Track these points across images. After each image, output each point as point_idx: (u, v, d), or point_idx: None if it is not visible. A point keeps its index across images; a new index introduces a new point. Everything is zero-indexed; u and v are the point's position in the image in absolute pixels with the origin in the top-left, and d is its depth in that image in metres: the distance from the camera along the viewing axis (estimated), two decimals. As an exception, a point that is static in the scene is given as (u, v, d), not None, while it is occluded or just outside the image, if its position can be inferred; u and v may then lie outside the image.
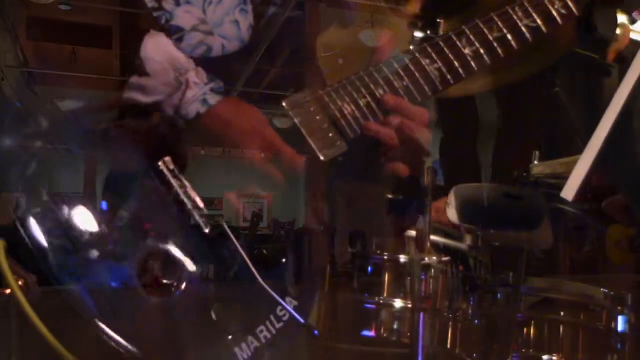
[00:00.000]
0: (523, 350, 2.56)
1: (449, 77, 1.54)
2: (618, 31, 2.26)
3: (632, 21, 1.82)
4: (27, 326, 1.23)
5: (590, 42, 1.98)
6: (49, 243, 1.26)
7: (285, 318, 1.38)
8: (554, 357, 2.55)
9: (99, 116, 1.44)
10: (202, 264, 1.36)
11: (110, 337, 1.25)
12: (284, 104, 1.46)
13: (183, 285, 1.32)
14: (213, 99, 1.43)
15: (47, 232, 1.26)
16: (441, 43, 1.55)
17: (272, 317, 1.38)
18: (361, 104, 1.49)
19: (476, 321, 2.57)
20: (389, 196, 1.67)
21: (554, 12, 1.59)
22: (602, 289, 2.60)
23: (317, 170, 1.47)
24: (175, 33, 1.52)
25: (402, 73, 1.52)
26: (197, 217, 1.38)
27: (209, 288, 1.36)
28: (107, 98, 1.49)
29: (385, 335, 2.48)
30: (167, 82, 1.42)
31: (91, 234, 1.30)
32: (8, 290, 1.24)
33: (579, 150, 1.60)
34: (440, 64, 1.53)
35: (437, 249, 2.46)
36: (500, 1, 1.60)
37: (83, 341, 1.26)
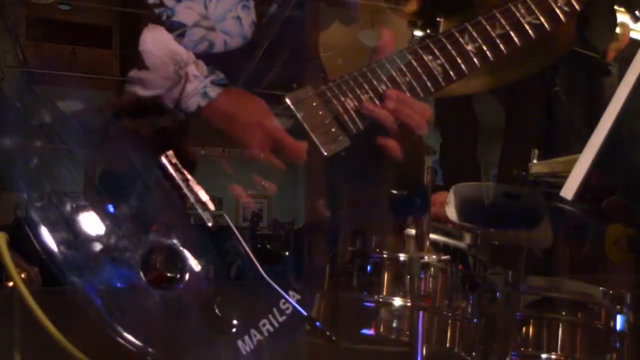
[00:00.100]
0: (522, 349, 2.56)
1: (451, 73, 1.55)
2: (618, 30, 2.27)
3: (636, 19, 1.83)
4: (30, 319, 1.23)
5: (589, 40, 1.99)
6: (51, 237, 1.26)
7: (288, 311, 1.38)
8: (553, 356, 2.55)
9: (99, 115, 1.44)
10: (205, 257, 1.36)
11: (124, 338, 1.25)
12: (286, 99, 1.46)
13: (186, 279, 1.33)
14: (214, 92, 1.43)
15: (49, 227, 1.26)
16: (444, 39, 1.55)
17: (275, 310, 1.38)
18: (364, 99, 1.50)
19: (475, 320, 2.57)
20: (393, 192, 1.67)
21: (557, 10, 1.60)
22: (601, 288, 2.61)
23: (319, 167, 1.47)
24: (177, 29, 1.52)
25: (404, 69, 1.53)
26: (200, 211, 1.38)
27: (212, 281, 1.36)
28: (107, 99, 1.49)
29: (384, 333, 2.48)
30: (167, 76, 1.41)
31: (94, 228, 1.30)
32: (11, 283, 1.24)
33: (578, 149, 1.61)
34: (442, 60, 1.54)
35: (437, 247, 2.47)
36: (500, 1, 1.61)
37: (85, 337, 1.26)
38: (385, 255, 2.52)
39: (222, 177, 1.43)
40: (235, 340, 1.34)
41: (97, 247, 1.29)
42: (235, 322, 1.33)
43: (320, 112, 1.47)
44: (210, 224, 1.38)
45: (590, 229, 2.47)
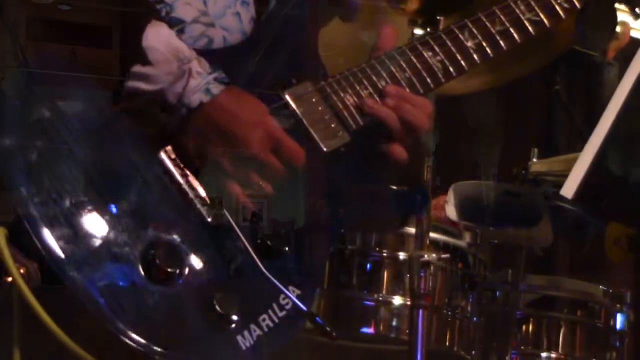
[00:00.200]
0: (522, 347, 2.57)
1: (451, 69, 1.55)
2: (619, 29, 2.27)
3: (637, 16, 1.83)
4: (29, 314, 1.23)
5: (589, 39, 1.99)
6: (50, 233, 1.26)
7: (288, 307, 1.38)
8: (552, 355, 2.56)
9: (99, 113, 1.45)
10: (205, 253, 1.36)
11: (124, 334, 1.25)
12: (286, 95, 1.46)
13: (186, 274, 1.32)
14: (216, 89, 1.43)
15: (48, 222, 1.26)
16: (443, 36, 1.55)
17: (275, 305, 1.38)
18: (363, 95, 1.50)
19: (475, 318, 2.58)
20: (393, 187, 1.67)
21: (557, 7, 1.60)
22: (601, 287, 2.61)
23: (318, 166, 1.47)
24: (176, 25, 1.52)
25: (404, 65, 1.53)
26: (199, 207, 1.38)
27: (212, 277, 1.36)
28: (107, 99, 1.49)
29: (384, 332, 2.49)
30: (170, 71, 1.41)
31: (93, 223, 1.30)
32: (10, 279, 1.24)
33: (578, 148, 1.61)
34: (442, 57, 1.54)
35: (437, 246, 2.47)
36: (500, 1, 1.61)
37: (84, 332, 1.25)
38: (385, 254, 2.52)
39: (222, 177, 1.43)
40: (235, 336, 1.33)
41: (97, 242, 1.29)
42: (234, 317, 1.33)
43: (320, 108, 1.47)
44: (209, 220, 1.37)
45: (590, 228, 2.47)
